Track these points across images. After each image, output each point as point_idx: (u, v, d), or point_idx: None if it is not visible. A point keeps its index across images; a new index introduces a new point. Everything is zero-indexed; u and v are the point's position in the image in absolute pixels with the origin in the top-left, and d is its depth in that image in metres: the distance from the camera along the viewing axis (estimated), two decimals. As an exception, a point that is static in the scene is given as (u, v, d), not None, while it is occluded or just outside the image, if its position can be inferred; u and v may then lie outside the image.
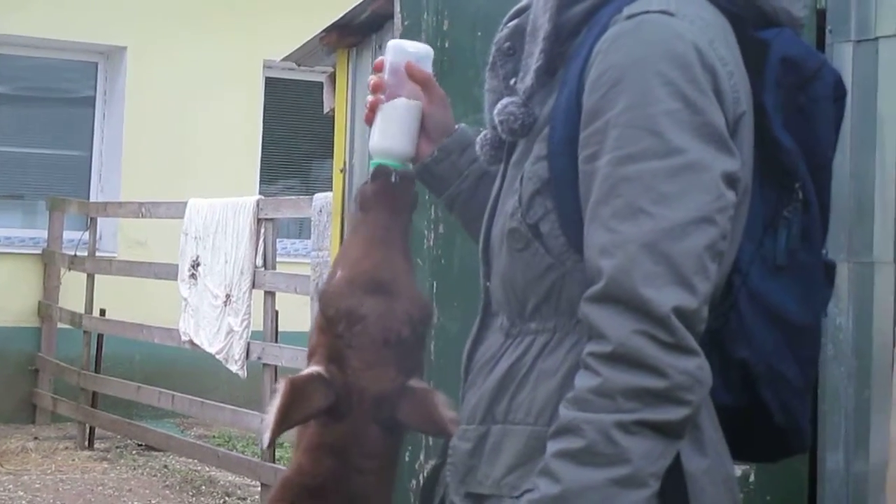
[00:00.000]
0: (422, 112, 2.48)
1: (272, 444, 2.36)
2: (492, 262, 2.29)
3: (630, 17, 2.06)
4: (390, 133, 2.45)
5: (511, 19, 2.36)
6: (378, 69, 2.49)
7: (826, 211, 2.26)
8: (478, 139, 2.39)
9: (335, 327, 2.32)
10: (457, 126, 2.54)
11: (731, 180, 2.02)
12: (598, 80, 2.04)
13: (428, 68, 2.50)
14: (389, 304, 2.33)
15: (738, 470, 2.23)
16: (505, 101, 2.25)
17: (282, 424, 2.27)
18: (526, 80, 2.23)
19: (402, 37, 5.18)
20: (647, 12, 2.06)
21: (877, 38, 4.37)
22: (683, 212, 1.96)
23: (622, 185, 1.98)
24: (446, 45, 4.93)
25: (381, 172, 2.44)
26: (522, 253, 2.18)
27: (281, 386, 2.29)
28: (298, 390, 2.28)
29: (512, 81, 2.30)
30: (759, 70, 2.15)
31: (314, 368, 2.31)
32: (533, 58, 2.22)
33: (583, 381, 1.97)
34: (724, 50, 2.08)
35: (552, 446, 1.97)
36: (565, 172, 2.10)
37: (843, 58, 4.34)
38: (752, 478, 4.26)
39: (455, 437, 2.28)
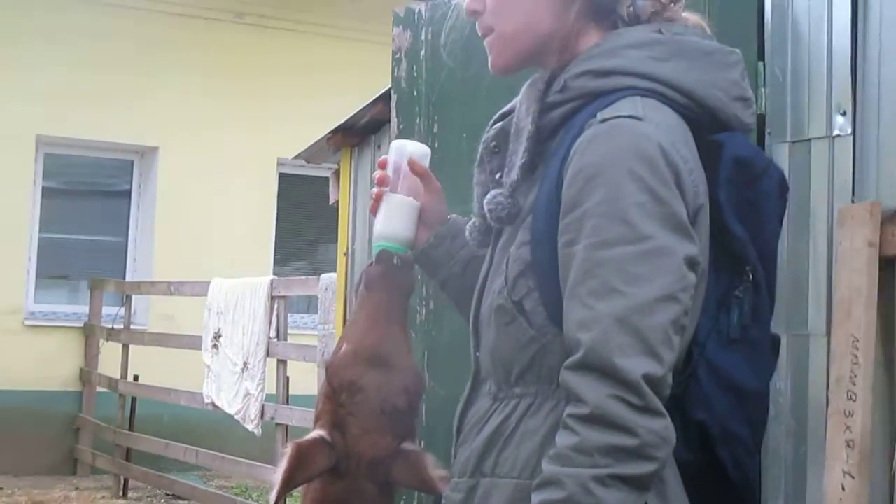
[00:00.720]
0: (419, 205, 2.47)
1: (278, 501, 2.35)
2: (481, 334, 2.28)
3: (604, 120, 2.07)
4: (393, 221, 2.44)
5: (496, 121, 2.37)
6: (382, 166, 2.48)
7: (773, 291, 2.26)
8: (467, 226, 2.39)
9: (339, 396, 2.30)
10: (449, 216, 2.53)
11: (692, 263, 2.02)
12: (576, 175, 2.04)
13: (426, 163, 2.49)
14: (387, 376, 2.31)
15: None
16: (493, 192, 2.25)
17: (287, 485, 2.25)
18: (511, 175, 2.23)
19: (397, 138, 5.20)
20: (618, 117, 2.06)
21: (809, 140, 4.38)
22: (651, 291, 1.96)
23: (598, 268, 1.98)
24: (436, 145, 4.94)
25: (384, 256, 2.43)
26: (508, 327, 2.17)
27: (288, 449, 2.27)
28: (304, 453, 2.26)
29: (498, 175, 2.30)
30: (714, 168, 2.15)
31: (318, 433, 2.29)
32: (517, 155, 2.23)
33: (563, 439, 1.96)
34: (685, 150, 2.08)
35: (536, 497, 1.96)
36: (546, 256, 2.09)
37: (780, 156, 4.35)
38: (704, 522, 4.24)
39: (448, 489, 2.26)
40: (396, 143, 2.54)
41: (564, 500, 1.91)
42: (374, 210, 2.49)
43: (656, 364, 1.94)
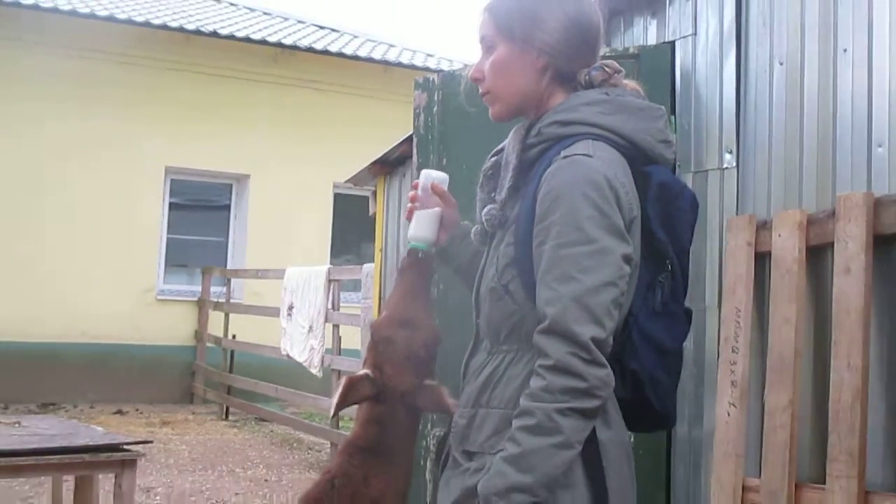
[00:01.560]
0: (440, 215, 2.46)
1: (335, 415, 2.40)
2: (480, 307, 2.25)
3: (565, 157, 2.05)
4: (421, 228, 2.44)
5: (492, 156, 2.35)
6: (415, 187, 2.48)
7: (686, 278, 2.24)
8: (472, 231, 2.38)
9: (378, 347, 2.33)
10: (461, 223, 2.51)
11: (627, 259, 2.00)
12: (546, 195, 2.02)
13: (445, 186, 2.48)
14: (412, 333, 2.33)
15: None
16: (489, 207, 2.25)
17: (341, 404, 2.30)
18: (502, 194, 2.22)
19: (417, 169, 5.18)
20: (575, 154, 2.04)
21: (706, 171, 4.37)
22: (597, 279, 1.94)
23: (560, 261, 1.96)
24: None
25: (412, 252, 2.44)
26: (498, 302, 2.15)
27: (342, 381, 2.31)
28: (353, 384, 2.30)
29: (493, 194, 2.29)
30: (644, 190, 2.13)
31: (364, 371, 2.32)
32: (506, 180, 2.21)
33: (534, 382, 1.94)
34: (623, 178, 2.06)
35: (516, 423, 1.94)
36: (525, 252, 2.07)
37: (686, 182, 4.34)
38: (631, 439, 4.22)
39: (455, 416, 2.26)
40: (425, 171, 2.53)
41: (535, 425, 1.90)
42: (408, 217, 2.48)
43: (601, 330, 1.93)
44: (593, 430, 1.99)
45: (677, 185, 2.22)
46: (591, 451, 2.01)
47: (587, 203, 1.98)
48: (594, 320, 1.93)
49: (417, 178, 2.53)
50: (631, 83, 2.26)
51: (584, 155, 2.04)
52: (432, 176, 2.49)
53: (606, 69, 2.21)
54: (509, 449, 1.93)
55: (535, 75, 2.21)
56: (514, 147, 2.22)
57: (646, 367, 2.13)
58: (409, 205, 2.48)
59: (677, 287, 2.20)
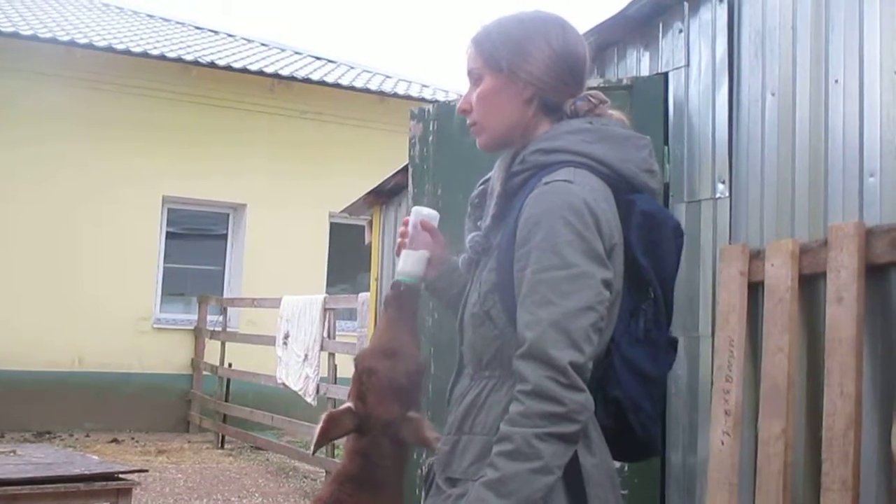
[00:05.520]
0: (428, 253, 2.46)
1: (315, 452, 2.36)
2: (464, 333, 2.25)
3: (546, 183, 2.05)
4: (409, 262, 2.44)
5: (480, 185, 2.36)
6: (405, 224, 2.49)
7: (670, 306, 2.23)
8: (461, 258, 2.38)
9: (361, 377, 2.30)
10: (450, 258, 2.52)
11: (606, 284, 1.99)
12: (526, 221, 2.03)
13: (435, 223, 2.49)
14: (394, 364, 2.30)
15: (617, 464, 2.20)
16: (474, 234, 2.26)
17: (321, 441, 2.27)
18: (486, 222, 2.23)
19: (412, 199, 5.20)
20: (556, 181, 2.05)
21: (700, 200, 4.39)
22: (576, 303, 1.94)
23: (539, 286, 1.96)
24: (440, 204, 4.95)
25: (396, 285, 2.43)
26: (480, 328, 2.15)
27: (323, 417, 2.28)
28: (334, 419, 2.27)
29: (479, 223, 2.30)
30: (627, 218, 2.13)
31: (347, 404, 2.29)
32: (491, 207, 2.23)
33: (513, 407, 1.93)
34: (604, 204, 2.06)
35: (495, 449, 1.93)
36: (506, 278, 2.07)
37: (679, 212, 4.36)
38: (625, 468, 4.23)
39: (440, 443, 2.24)
40: (416, 208, 2.54)
41: (513, 451, 1.89)
42: (398, 253, 2.49)
43: (579, 354, 1.92)
44: (576, 456, 1.98)
45: (661, 214, 2.22)
46: (573, 477, 2.00)
47: (566, 228, 1.98)
48: (572, 345, 1.92)
49: (412, 206, 2.55)
50: (616, 113, 2.27)
51: (564, 181, 2.05)
52: (422, 213, 2.50)
53: (591, 99, 2.23)
54: (489, 474, 1.92)
55: (521, 106, 2.22)
56: (499, 175, 2.23)
57: (628, 394, 2.12)
58: (399, 240, 2.48)
59: (660, 315, 2.19)
